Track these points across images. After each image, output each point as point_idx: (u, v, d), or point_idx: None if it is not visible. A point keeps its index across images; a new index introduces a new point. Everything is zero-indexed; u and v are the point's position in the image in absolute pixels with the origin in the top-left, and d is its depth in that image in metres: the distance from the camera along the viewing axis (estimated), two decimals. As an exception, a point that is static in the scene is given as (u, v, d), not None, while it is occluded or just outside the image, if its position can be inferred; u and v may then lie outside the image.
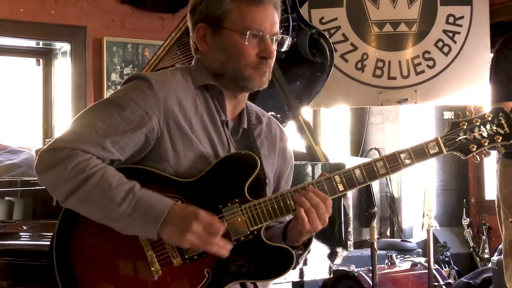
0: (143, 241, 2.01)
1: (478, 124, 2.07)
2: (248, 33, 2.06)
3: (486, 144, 2.06)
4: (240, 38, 2.07)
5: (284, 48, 2.15)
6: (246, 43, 2.07)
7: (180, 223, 1.94)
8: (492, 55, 5.29)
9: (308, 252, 2.15)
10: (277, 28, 2.12)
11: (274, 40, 2.11)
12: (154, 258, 2.00)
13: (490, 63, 4.02)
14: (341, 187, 2.07)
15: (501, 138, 2.06)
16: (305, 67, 3.74)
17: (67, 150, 1.96)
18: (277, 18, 2.12)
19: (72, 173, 1.94)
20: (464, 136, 2.07)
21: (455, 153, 2.08)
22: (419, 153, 2.06)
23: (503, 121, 2.07)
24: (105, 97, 5.36)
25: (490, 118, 2.07)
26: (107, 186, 1.94)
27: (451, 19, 5.40)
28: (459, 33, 5.39)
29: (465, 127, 2.07)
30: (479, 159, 2.10)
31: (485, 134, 2.07)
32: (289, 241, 2.10)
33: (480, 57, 5.30)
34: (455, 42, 5.39)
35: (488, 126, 2.07)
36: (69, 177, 1.94)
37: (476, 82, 5.31)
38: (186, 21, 3.53)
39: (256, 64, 2.09)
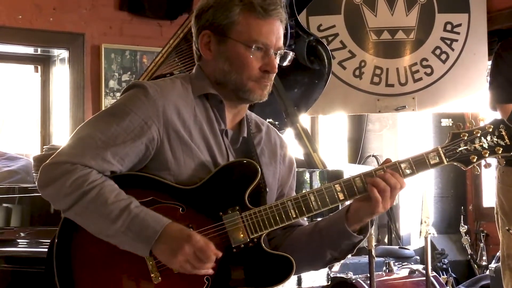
0: (143, 248, 2.01)
1: (478, 135, 2.07)
2: (253, 46, 2.07)
3: (487, 155, 2.06)
4: (245, 50, 2.07)
5: (286, 63, 2.16)
6: (251, 56, 2.08)
7: (172, 243, 1.94)
8: (490, 62, 5.31)
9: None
10: (281, 42, 2.12)
11: (277, 54, 2.11)
12: (154, 265, 2.00)
13: (489, 69, 4.03)
14: (341, 196, 2.07)
15: (501, 149, 2.06)
16: (303, 74, 3.75)
17: (67, 165, 1.97)
18: (282, 32, 2.13)
19: (70, 189, 1.95)
20: (465, 147, 2.07)
21: (455, 163, 2.08)
22: (419, 163, 2.07)
23: (503, 133, 2.07)
24: (103, 104, 5.43)
25: (490, 130, 2.07)
26: (103, 202, 1.95)
27: (448, 27, 5.41)
28: (456, 40, 5.40)
29: (465, 138, 2.07)
30: (479, 170, 2.10)
31: (485, 146, 2.07)
32: (351, 225, 2.09)
33: (478, 64, 5.31)
34: (452, 49, 5.39)
35: (488, 138, 2.07)
36: (67, 192, 1.96)
37: (473, 89, 5.32)
38: (184, 28, 3.57)
39: (259, 78, 2.10)
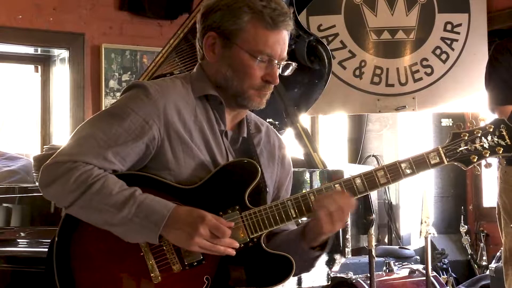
0: (143, 246, 2.01)
1: (479, 135, 2.07)
2: (259, 57, 2.06)
3: (487, 155, 2.07)
4: (249, 59, 2.07)
5: (287, 73, 2.15)
6: (255, 66, 2.07)
7: (186, 227, 1.94)
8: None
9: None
10: (285, 52, 2.12)
11: (280, 65, 2.11)
12: (154, 265, 2.00)
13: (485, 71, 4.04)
14: (341, 196, 2.06)
15: (502, 149, 2.07)
16: (303, 74, 3.75)
17: (69, 163, 1.97)
18: (287, 42, 2.12)
19: (74, 185, 1.95)
20: (465, 147, 2.07)
21: (456, 163, 2.08)
22: (419, 163, 2.07)
23: (504, 133, 2.07)
24: (103, 104, 5.44)
25: (491, 130, 2.08)
26: (108, 192, 1.95)
27: (449, 27, 5.41)
28: (457, 40, 5.40)
29: (466, 138, 2.07)
30: (479, 170, 2.10)
31: (486, 145, 2.07)
32: (307, 242, 2.09)
33: (478, 64, 5.30)
34: (453, 49, 5.39)
35: (489, 138, 2.07)
36: (71, 189, 1.96)
37: (473, 89, 5.32)
38: (185, 28, 3.57)
39: (260, 87, 2.10)
